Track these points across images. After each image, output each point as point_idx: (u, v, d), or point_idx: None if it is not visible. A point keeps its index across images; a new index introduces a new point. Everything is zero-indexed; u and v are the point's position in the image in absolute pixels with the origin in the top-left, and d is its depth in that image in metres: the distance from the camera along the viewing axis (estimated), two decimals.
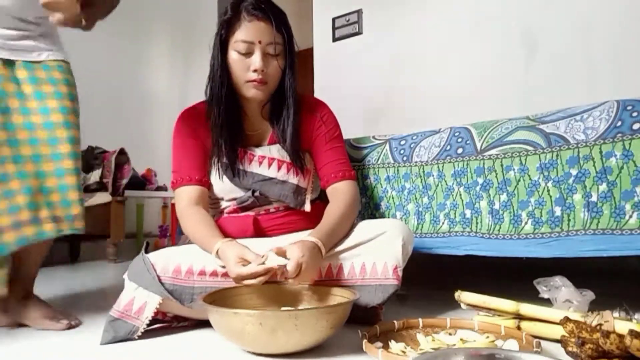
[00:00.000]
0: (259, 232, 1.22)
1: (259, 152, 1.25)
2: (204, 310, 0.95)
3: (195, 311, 1.06)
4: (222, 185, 1.24)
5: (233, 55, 1.19)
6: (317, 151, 1.28)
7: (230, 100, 1.23)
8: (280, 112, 1.26)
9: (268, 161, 1.24)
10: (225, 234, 1.17)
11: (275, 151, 1.25)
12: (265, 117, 1.28)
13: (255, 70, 1.17)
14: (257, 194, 1.22)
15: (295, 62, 1.25)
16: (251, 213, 1.23)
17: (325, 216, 1.17)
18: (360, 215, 1.49)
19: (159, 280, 1.04)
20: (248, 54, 1.17)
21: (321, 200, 1.34)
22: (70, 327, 1.14)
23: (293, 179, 1.24)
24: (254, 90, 1.19)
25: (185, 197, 1.20)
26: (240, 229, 1.21)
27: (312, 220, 1.21)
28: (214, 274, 1.08)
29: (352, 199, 1.22)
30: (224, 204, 1.27)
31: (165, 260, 1.07)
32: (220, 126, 1.22)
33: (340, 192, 1.23)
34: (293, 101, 1.24)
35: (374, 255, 1.11)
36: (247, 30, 1.16)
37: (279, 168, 1.23)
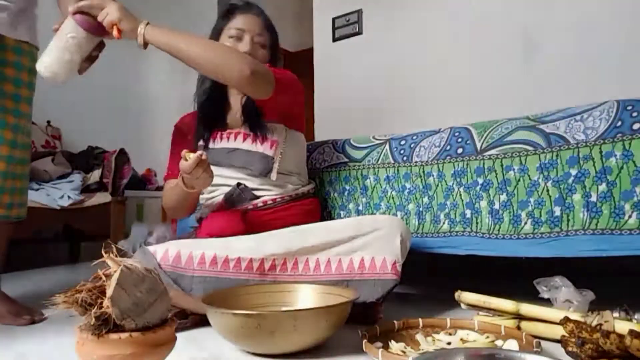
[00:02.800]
0: (250, 227, 1.23)
1: (228, 130, 1.37)
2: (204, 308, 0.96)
3: (195, 302, 1.06)
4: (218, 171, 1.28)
5: (225, 42, 1.33)
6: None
7: (216, 89, 1.39)
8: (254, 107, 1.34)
9: (234, 135, 1.35)
10: (215, 230, 1.23)
11: (239, 124, 1.36)
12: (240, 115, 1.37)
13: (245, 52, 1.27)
14: (242, 186, 1.27)
15: (279, 62, 1.43)
16: (240, 208, 1.28)
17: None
18: (360, 215, 1.49)
19: (160, 267, 1.06)
20: (238, 39, 1.34)
21: (315, 196, 1.38)
22: (33, 322, 1.17)
23: (258, 148, 1.31)
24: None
25: (166, 187, 1.40)
26: (230, 224, 1.24)
27: (305, 215, 1.23)
28: (214, 262, 1.09)
29: (250, 59, 1.21)
30: (207, 198, 1.37)
31: (165, 250, 1.10)
32: (202, 113, 1.38)
33: None
34: None
35: (373, 251, 1.11)
36: (240, 20, 1.36)
37: (244, 139, 1.32)
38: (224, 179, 1.31)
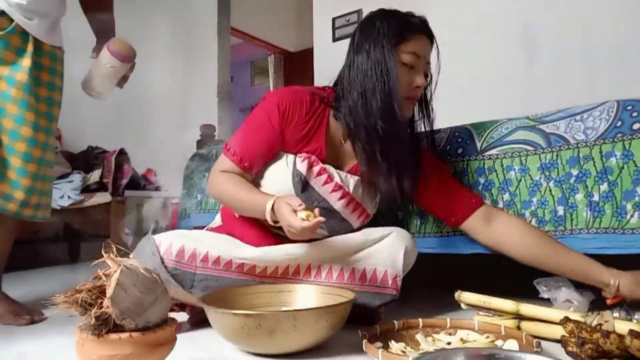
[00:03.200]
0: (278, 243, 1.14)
1: (336, 177, 1.13)
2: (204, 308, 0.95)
3: (195, 298, 1.05)
4: (282, 186, 1.11)
5: (398, 67, 1.07)
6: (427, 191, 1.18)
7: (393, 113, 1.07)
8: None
9: (341, 192, 1.13)
10: (239, 233, 1.15)
11: (352, 184, 1.14)
12: (348, 139, 1.15)
13: (417, 87, 1.09)
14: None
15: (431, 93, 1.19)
16: (280, 232, 1.10)
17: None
18: None
19: (162, 262, 1.03)
20: (412, 68, 1.08)
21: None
22: (33, 322, 1.17)
23: (354, 221, 1.16)
24: (409, 108, 1.12)
25: (225, 168, 1.11)
26: (259, 238, 1.14)
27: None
28: (216, 262, 1.07)
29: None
30: None
31: (170, 241, 1.06)
32: (380, 136, 1.07)
33: (501, 214, 1.13)
34: (416, 144, 1.18)
35: (376, 262, 1.10)
36: (418, 44, 1.08)
37: (347, 204, 1.13)
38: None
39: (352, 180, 1.15)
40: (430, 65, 1.13)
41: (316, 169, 1.11)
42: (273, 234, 1.14)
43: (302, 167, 1.10)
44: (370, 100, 1.06)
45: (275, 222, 1.00)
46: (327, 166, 1.13)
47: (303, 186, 1.10)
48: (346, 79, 1.11)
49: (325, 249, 1.11)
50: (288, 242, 1.10)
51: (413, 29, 1.09)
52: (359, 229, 1.19)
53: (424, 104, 1.18)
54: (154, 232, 1.12)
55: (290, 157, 1.12)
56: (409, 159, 1.12)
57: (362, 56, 1.08)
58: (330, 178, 1.12)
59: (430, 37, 1.12)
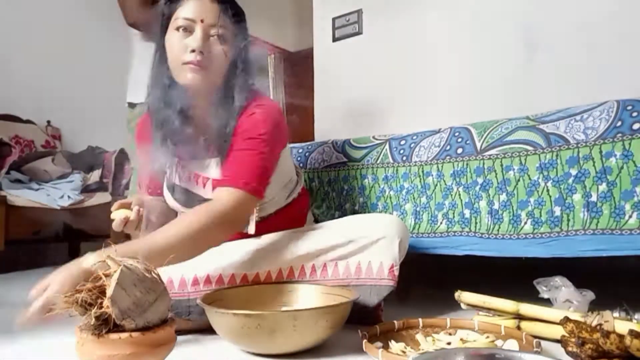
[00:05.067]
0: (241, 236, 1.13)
1: (199, 170, 1.13)
2: (202, 320, 0.96)
3: (194, 322, 1.04)
4: (170, 202, 1.18)
5: (172, 37, 1.06)
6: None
7: (169, 92, 1.06)
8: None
9: (203, 180, 1.13)
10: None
11: (214, 167, 1.11)
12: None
13: (193, 51, 1.02)
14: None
15: (250, 60, 1.10)
16: None
17: (170, 226, 0.94)
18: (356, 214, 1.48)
19: None
20: (187, 32, 1.04)
21: (299, 196, 1.25)
22: None
23: (207, 194, 1.12)
24: (190, 75, 1.03)
25: (247, 210, 1.06)
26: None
27: (290, 220, 1.18)
28: (208, 282, 1.05)
29: (221, 211, 0.97)
30: None
31: None
32: (160, 132, 1.08)
33: (215, 199, 1.00)
34: (235, 103, 1.07)
35: (370, 254, 1.09)
36: (189, 7, 1.05)
37: (205, 182, 1.12)
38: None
39: (212, 163, 1.12)
40: (220, 29, 1.05)
41: (183, 176, 1.15)
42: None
43: (176, 182, 1.16)
44: (149, 80, 1.11)
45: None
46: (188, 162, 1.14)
47: (172, 192, 1.16)
48: None
49: (314, 243, 1.10)
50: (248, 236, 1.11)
51: None
52: None
53: (233, 74, 1.09)
54: None
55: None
56: (214, 125, 1.07)
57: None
58: (195, 174, 1.14)
59: None
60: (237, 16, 1.10)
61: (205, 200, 1.06)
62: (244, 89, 1.09)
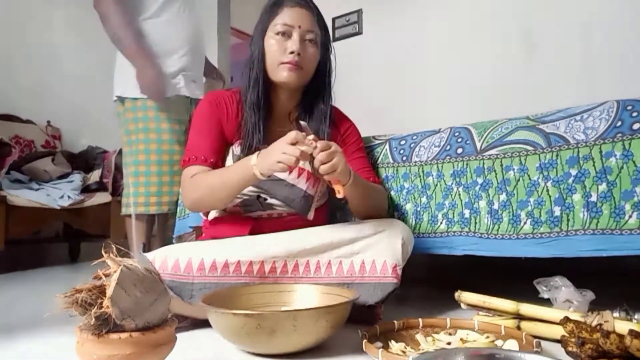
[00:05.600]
0: (255, 232, 1.20)
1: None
2: (204, 309, 0.96)
3: (196, 309, 1.05)
4: None
5: (271, 40, 1.20)
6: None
7: (265, 88, 1.22)
8: (307, 114, 1.25)
9: (299, 170, 1.20)
10: (218, 233, 1.19)
11: None
12: (292, 118, 1.26)
13: (292, 52, 1.17)
14: (261, 199, 1.20)
15: (331, 65, 1.28)
16: (253, 215, 1.23)
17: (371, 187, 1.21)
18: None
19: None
20: (286, 35, 1.18)
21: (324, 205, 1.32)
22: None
23: (302, 185, 1.20)
24: (287, 73, 1.18)
25: (193, 174, 1.17)
26: (236, 229, 1.19)
27: (324, 215, 1.21)
28: (213, 268, 1.07)
29: (383, 195, 1.28)
30: None
31: (163, 257, 1.07)
32: (255, 108, 1.20)
33: (380, 187, 1.27)
34: (327, 102, 1.26)
35: (374, 254, 1.10)
36: (288, 15, 1.19)
37: (290, 171, 1.15)
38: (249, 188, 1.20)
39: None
40: (314, 34, 1.21)
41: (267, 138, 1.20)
42: (248, 222, 1.21)
43: (237, 150, 1.22)
44: (246, 77, 1.24)
45: (267, 175, 1.06)
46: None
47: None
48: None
49: (320, 238, 1.12)
50: (266, 227, 1.18)
51: (282, 3, 1.21)
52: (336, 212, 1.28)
53: (324, 74, 1.27)
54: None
55: (232, 147, 1.24)
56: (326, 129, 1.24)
57: (250, 46, 1.24)
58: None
59: (305, 7, 1.21)
60: (324, 25, 1.27)
61: (293, 186, 1.20)
62: (329, 88, 1.28)
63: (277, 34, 1.18)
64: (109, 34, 1.73)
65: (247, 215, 1.23)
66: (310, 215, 1.21)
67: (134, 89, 1.75)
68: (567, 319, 0.77)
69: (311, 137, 1.02)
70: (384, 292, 1.07)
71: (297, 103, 1.28)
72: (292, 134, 0.99)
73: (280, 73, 1.19)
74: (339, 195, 1.05)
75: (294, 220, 1.22)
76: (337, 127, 1.31)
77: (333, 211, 1.46)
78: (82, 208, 2.51)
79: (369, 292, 1.07)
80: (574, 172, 1.11)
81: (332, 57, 1.29)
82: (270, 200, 1.22)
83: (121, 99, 1.85)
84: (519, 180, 1.19)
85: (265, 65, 1.21)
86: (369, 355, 0.83)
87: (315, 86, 1.26)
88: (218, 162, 1.21)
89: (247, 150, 1.18)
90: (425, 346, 0.89)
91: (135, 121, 1.81)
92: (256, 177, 1.06)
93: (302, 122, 1.07)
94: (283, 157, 0.98)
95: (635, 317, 0.95)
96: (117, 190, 2.67)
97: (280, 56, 1.18)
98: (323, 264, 1.11)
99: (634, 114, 1.07)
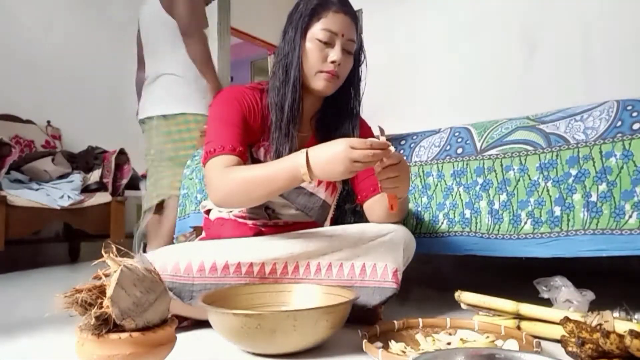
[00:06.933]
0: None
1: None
2: (204, 309, 0.95)
3: (196, 310, 1.05)
4: None
5: (310, 44, 1.13)
6: None
7: (300, 93, 1.15)
8: (331, 121, 1.21)
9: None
10: (221, 234, 1.18)
11: None
12: (313, 123, 1.23)
13: (333, 62, 1.12)
14: (269, 210, 1.20)
15: (361, 74, 1.24)
16: (258, 222, 1.21)
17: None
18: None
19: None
20: (328, 44, 1.12)
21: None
22: None
23: (322, 194, 1.20)
24: (324, 83, 1.14)
25: (222, 164, 1.05)
26: (239, 232, 1.19)
27: (333, 221, 1.21)
28: (213, 269, 1.06)
29: (408, 205, 1.24)
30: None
31: (163, 258, 1.06)
32: (289, 112, 1.13)
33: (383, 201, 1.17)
34: (357, 112, 1.24)
35: (375, 258, 1.10)
36: (333, 21, 1.12)
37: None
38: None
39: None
40: (354, 44, 1.16)
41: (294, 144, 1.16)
42: (252, 228, 1.19)
43: (260, 155, 1.17)
44: (279, 77, 1.15)
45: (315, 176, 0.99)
46: None
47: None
48: (273, 65, 1.19)
49: (322, 241, 1.11)
50: (269, 233, 1.16)
51: (327, 7, 1.13)
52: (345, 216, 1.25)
53: (354, 83, 1.23)
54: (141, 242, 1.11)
55: (252, 150, 1.17)
56: (338, 129, 1.20)
57: (283, 40, 1.16)
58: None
59: (350, 15, 1.15)
60: (360, 33, 1.21)
61: (312, 195, 1.19)
62: (359, 98, 1.25)
63: (319, 41, 1.12)
64: (202, 57, 2.03)
65: (252, 222, 1.21)
66: (327, 224, 1.20)
67: (194, 105, 2.00)
68: (567, 319, 0.77)
69: (383, 139, 0.96)
70: (382, 297, 1.07)
71: (319, 109, 1.24)
72: (355, 141, 0.92)
73: (318, 82, 1.14)
74: (392, 211, 1.03)
75: (299, 229, 1.20)
76: (360, 135, 1.27)
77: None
78: (82, 208, 2.51)
79: (367, 295, 1.07)
80: (574, 172, 1.11)
81: (364, 66, 1.24)
82: (278, 212, 1.20)
83: (142, 121, 2.10)
84: (519, 180, 1.19)
85: (302, 69, 1.15)
86: (369, 355, 0.83)
87: (340, 94, 1.21)
88: (246, 155, 1.11)
89: (275, 156, 1.12)
90: (425, 346, 0.89)
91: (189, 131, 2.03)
92: (302, 181, 0.99)
93: (379, 126, 1.02)
94: (356, 166, 0.92)
95: (635, 317, 0.95)
96: (117, 190, 2.67)
97: (321, 64, 1.13)
98: (323, 266, 1.11)
99: (634, 114, 1.07)
